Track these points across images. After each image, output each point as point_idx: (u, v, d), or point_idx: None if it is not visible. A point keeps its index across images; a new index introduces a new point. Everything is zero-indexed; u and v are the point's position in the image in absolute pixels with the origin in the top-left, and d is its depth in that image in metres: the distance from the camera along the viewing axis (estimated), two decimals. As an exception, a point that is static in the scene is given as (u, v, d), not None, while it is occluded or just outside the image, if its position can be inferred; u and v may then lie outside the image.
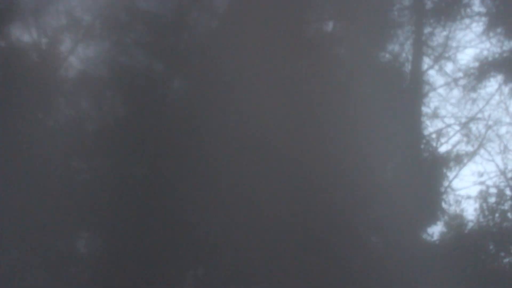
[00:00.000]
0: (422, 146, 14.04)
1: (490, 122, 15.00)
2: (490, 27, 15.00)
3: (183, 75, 15.84)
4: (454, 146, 14.93)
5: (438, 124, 15.05)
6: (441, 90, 15.24)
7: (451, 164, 14.53)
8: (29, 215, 13.23)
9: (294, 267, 12.65)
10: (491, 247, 13.30)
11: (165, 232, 13.26)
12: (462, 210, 14.29)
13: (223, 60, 14.95)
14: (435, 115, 15.01)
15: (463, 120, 15.02)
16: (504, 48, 14.94)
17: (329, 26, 15.42)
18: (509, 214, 13.72)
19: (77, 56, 15.75)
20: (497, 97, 15.10)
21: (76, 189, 13.68)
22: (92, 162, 14.21)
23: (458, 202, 14.38)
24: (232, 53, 14.77)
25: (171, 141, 14.37)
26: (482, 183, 14.44)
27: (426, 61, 14.92)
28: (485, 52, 15.11)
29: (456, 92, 15.20)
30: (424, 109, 14.89)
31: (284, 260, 13.01)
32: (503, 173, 14.52)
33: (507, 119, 15.19)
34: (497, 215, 13.76)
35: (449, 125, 15.01)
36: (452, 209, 14.34)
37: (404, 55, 15.01)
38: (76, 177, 14.13)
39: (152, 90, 15.50)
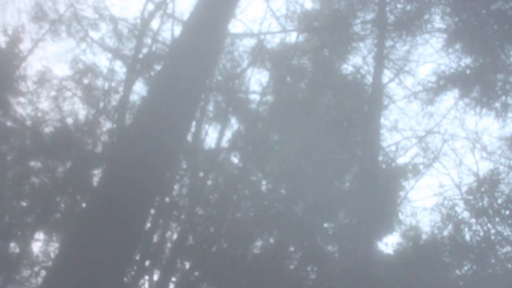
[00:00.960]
0: (381, 158, 14.22)
1: (446, 136, 15.33)
2: (449, 43, 15.27)
3: (145, 79, 15.78)
4: (411, 158, 15.21)
5: (396, 137, 15.33)
6: (400, 103, 15.53)
7: (408, 176, 14.77)
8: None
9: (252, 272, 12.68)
10: (444, 258, 13.49)
11: (118, 234, 13.09)
12: (417, 222, 14.54)
13: (184, 66, 14.94)
14: (394, 127, 15.27)
15: (421, 133, 15.32)
16: (461, 63, 15.24)
17: (293, 37, 15.59)
18: (462, 226, 13.96)
19: (38, 55, 15.59)
20: (453, 112, 15.43)
21: (33, 189, 13.48)
22: (50, 163, 14.01)
23: (414, 213, 14.62)
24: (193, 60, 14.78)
25: (131, 143, 14.26)
26: (437, 195, 14.72)
27: (387, 74, 15.15)
28: (443, 67, 15.43)
29: (415, 106, 15.50)
30: (384, 122, 15.14)
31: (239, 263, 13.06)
32: (457, 186, 14.81)
33: (462, 134, 15.54)
34: (450, 227, 14.00)
35: (407, 138, 15.29)
36: (408, 220, 14.58)
37: (366, 67, 15.25)
38: (33, 177, 13.92)
39: (113, 92, 15.40)
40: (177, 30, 16.25)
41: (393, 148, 14.99)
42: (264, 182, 14.32)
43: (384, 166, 14.33)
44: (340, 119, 13.66)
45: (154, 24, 15.60)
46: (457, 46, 15.25)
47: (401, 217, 14.53)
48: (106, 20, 15.60)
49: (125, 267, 11.91)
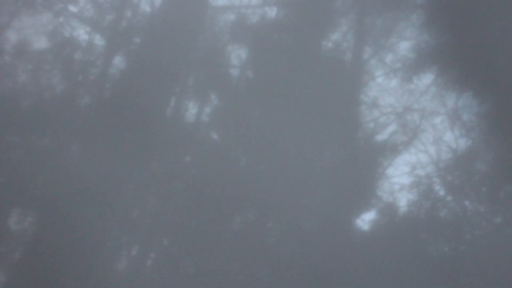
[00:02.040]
0: (360, 135, 14.26)
1: (425, 113, 15.36)
2: (430, 20, 15.25)
3: (124, 52, 15.67)
4: (390, 135, 15.24)
5: (375, 114, 15.33)
6: (380, 80, 15.54)
7: (387, 153, 14.83)
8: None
9: (227, 250, 12.76)
10: (421, 235, 13.64)
11: (96, 210, 13.13)
12: (395, 199, 14.62)
13: (164, 39, 14.87)
14: (373, 104, 15.28)
15: (400, 110, 15.34)
16: (442, 41, 15.23)
17: (273, 12, 15.50)
18: (438, 203, 14.09)
19: (15, 28, 15.39)
20: (433, 89, 15.46)
21: (11, 165, 13.42)
22: (28, 138, 13.92)
23: (391, 190, 14.70)
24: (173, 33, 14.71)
25: (109, 118, 14.22)
26: (415, 172, 14.79)
27: (367, 51, 15.12)
28: (424, 44, 15.39)
29: (395, 82, 15.51)
30: (363, 98, 15.14)
31: (216, 243, 13.13)
32: (435, 163, 14.89)
33: (442, 110, 15.59)
34: (427, 204, 14.12)
35: (386, 115, 15.31)
36: (386, 197, 14.65)
37: (346, 44, 15.20)
38: (11, 152, 13.84)
39: (92, 66, 15.28)
40: (158, 2, 16.16)
41: (372, 125, 15.02)
42: (243, 158, 14.33)
43: (363, 143, 14.39)
44: (320, 96, 13.67)
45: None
46: (439, 23, 15.24)
47: (378, 194, 14.62)
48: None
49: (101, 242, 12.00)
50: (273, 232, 13.37)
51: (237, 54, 15.68)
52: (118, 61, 15.68)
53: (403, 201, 14.49)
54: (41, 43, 15.29)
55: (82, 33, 15.90)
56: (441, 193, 14.28)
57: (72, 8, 15.94)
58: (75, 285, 12.12)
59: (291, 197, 13.25)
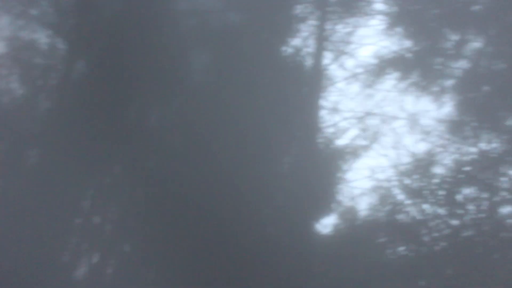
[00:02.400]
0: (320, 139, 14.37)
1: (385, 117, 15.54)
2: (390, 26, 15.46)
3: (87, 56, 15.56)
4: (351, 140, 15.38)
5: (336, 118, 15.46)
6: (340, 85, 15.67)
7: (347, 157, 14.96)
8: None
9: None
10: (381, 239, 13.79)
11: (55, 216, 13.00)
12: (355, 203, 14.75)
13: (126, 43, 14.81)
14: (334, 109, 15.42)
15: (360, 115, 15.50)
16: (402, 46, 15.46)
17: (235, 17, 15.51)
18: (398, 207, 14.27)
19: (-28, 30, 15.18)
20: (393, 93, 15.66)
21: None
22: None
23: (351, 195, 14.84)
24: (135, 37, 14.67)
25: (70, 123, 14.12)
26: (375, 177, 14.94)
27: (328, 56, 15.26)
28: (384, 50, 15.63)
29: (355, 87, 15.67)
30: (324, 103, 15.26)
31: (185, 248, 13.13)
32: (395, 167, 15.06)
33: (401, 115, 15.78)
34: (387, 208, 14.29)
35: (346, 119, 15.44)
36: (346, 201, 14.78)
37: (306, 49, 15.31)
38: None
39: (53, 70, 15.16)
40: (120, 6, 16.06)
41: (332, 129, 15.14)
42: (204, 164, 14.32)
43: (323, 147, 14.50)
44: (280, 101, 13.74)
45: (97, -1, 15.35)
46: (398, 29, 15.48)
47: (339, 198, 14.74)
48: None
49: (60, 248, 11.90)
50: (234, 238, 13.38)
51: (200, 59, 15.68)
52: (80, 66, 15.57)
53: (363, 205, 14.64)
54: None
55: (43, 37, 15.72)
56: (401, 196, 14.48)
57: (33, 11, 15.76)
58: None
59: (251, 202, 13.29)
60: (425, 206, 14.35)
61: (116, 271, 13.02)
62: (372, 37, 15.68)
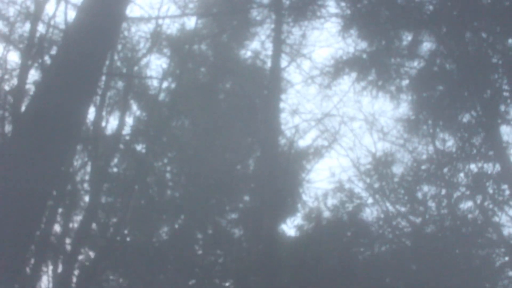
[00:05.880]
0: (281, 141, 14.40)
1: (345, 118, 15.72)
2: (344, 28, 15.61)
3: (40, 65, 15.24)
4: (313, 141, 15.50)
5: (296, 120, 15.55)
6: (299, 87, 15.76)
7: (310, 158, 15.05)
8: None
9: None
10: (345, 237, 13.89)
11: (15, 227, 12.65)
12: (319, 203, 14.84)
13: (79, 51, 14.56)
14: (294, 111, 15.50)
15: (320, 116, 15.63)
16: (357, 48, 15.64)
17: (192, 23, 15.47)
18: (361, 206, 14.42)
19: None
20: (350, 95, 15.85)
21: None
22: None
23: (315, 195, 14.93)
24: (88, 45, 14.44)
25: (24, 134, 13.77)
26: (337, 177, 15.10)
27: (285, 59, 15.32)
28: (340, 52, 15.78)
29: (313, 89, 15.80)
30: (283, 105, 15.33)
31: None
32: (356, 167, 15.24)
33: (360, 116, 15.99)
34: (350, 206, 14.42)
35: (306, 121, 15.55)
36: (310, 201, 14.86)
37: (264, 52, 15.37)
38: None
39: (6, 80, 14.81)
40: (72, 14, 15.79)
41: (293, 131, 15.22)
42: (168, 168, 14.22)
43: (285, 149, 14.55)
44: (240, 104, 13.73)
45: (49, 8, 15.08)
46: (353, 31, 15.63)
47: (303, 198, 14.81)
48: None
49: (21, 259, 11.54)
50: (200, 241, 13.32)
51: (156, 65, 15.59)
52: (33, 75, 15.25)
53: (327, 205, 14.74)
54: None
55: (-6, 48, 15.34)
56: (362, 195, 14.64)
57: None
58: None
59: (216, 205, 13.23)
60: (387, 205, 14.54)
61: (79, 280, 12.75)
62: (327, 39, 15.85)
